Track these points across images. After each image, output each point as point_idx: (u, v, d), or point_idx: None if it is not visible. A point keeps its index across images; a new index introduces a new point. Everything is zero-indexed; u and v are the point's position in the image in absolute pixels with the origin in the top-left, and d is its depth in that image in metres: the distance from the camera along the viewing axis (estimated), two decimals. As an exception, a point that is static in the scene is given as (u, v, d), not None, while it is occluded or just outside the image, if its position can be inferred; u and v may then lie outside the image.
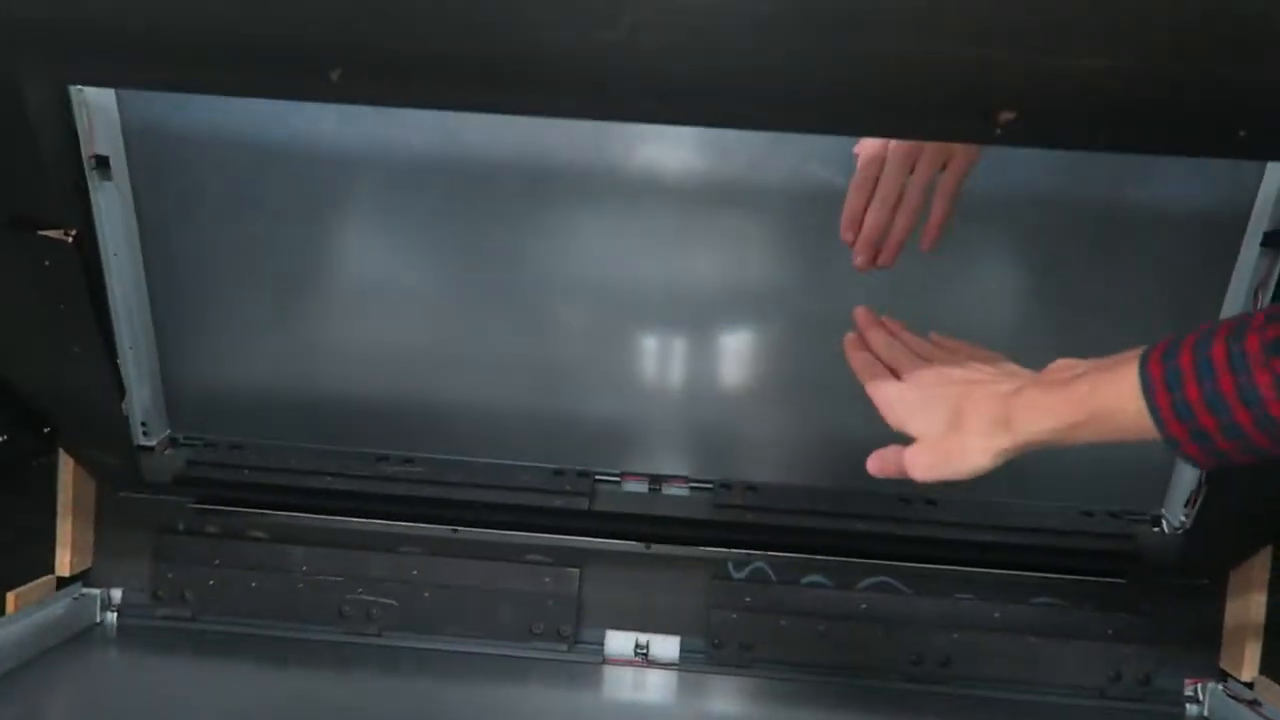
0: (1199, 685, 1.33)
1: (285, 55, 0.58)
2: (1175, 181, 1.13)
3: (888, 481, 1.30)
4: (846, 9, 0.52)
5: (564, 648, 1.35)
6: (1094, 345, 1.25)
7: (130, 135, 1.16)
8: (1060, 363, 0.67)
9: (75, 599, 1.33)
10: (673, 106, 0.62)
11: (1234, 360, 0.55)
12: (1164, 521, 1.30)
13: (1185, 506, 1.27)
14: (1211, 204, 1.14)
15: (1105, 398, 0.60)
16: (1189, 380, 0.56)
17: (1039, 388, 0.65)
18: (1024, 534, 1.29)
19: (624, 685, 1.32)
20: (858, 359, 0.79)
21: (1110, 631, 1.33)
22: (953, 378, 0.71)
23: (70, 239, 0.94)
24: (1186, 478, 1.26)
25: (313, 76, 0.57)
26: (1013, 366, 0.72)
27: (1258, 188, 1.11)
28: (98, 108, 1.12)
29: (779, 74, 0.57)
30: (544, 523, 1.33)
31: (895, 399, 0.73)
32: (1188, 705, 1.33)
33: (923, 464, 0.69)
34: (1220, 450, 0.57)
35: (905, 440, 0.72)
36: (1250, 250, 1.12)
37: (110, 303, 1.18)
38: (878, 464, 0.74)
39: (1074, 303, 1.21)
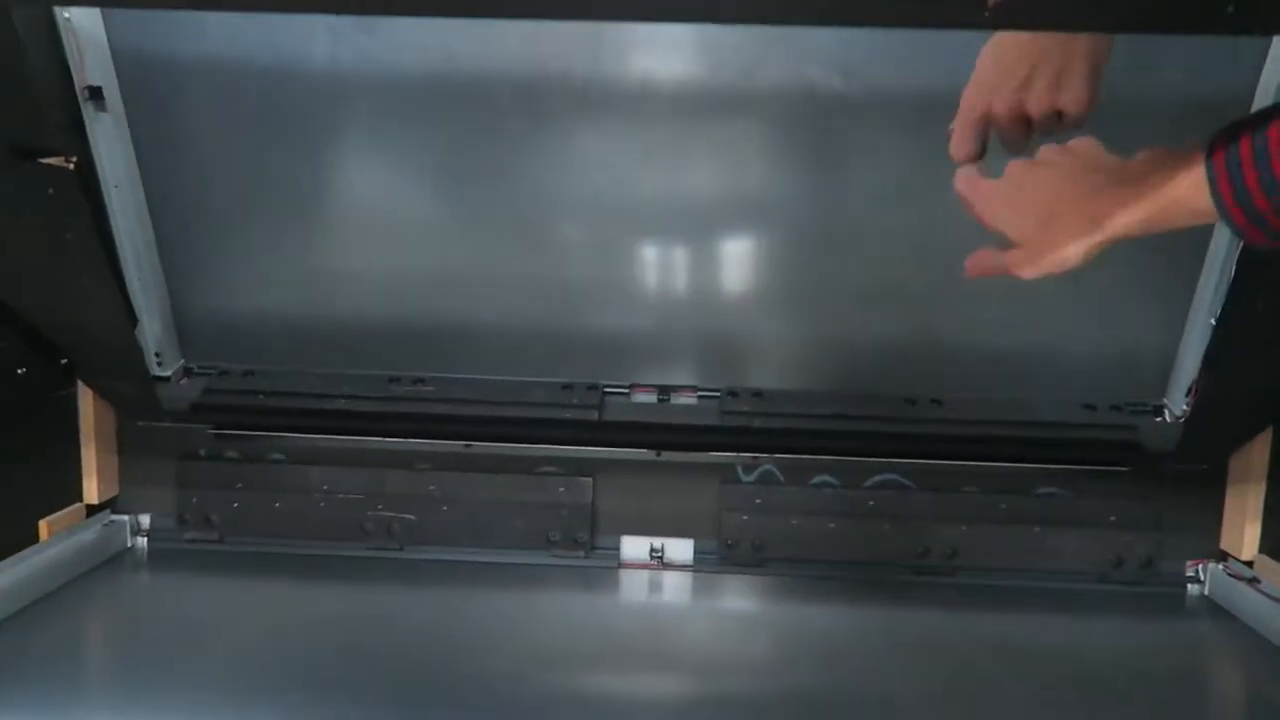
0: (1200, 566, 1.37)
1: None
2: (1175, 73, 1.12)
3: (893, 382, 1.33)
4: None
5: (581, 554, 1.39)
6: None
7: (121, 65, 1.16)
8: (1141, 155, 0.70)
9: (105, 525, 1.38)
10: (668, 3, 0.62)
11: None
12: (1166, 411, 1.32)
13: (1187, 396, 1.29)
14: (1212, 94, 1.12)
15: (1178, 189, 0.64)
16: (1247, 165, 0.60)
17: (1122, 186, 0.68)
18: (1028, 428, 1.31)
19: (641, 587, 1.37)
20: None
21: (1113, 519, 1.37)
22: (1042, 171, 0.74)
23: (71, 166, 0.94)
24: (1187, 367, 1.28)
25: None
26: (1095, 153, 0.73)
27: (1258, 79, 1.09)
28: (87, 37, 1.11)
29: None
30: (555, 435, 1.36)
31: (989, 192, 0.76)
32: (1189, 585, 1.37)
33: (1024, 264, 0.74)
34: (1274, 229, 0.61)
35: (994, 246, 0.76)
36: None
37: (115, 234, 1.19)
38: (977, 265, 0.78)
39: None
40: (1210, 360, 1.21)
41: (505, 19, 0.63)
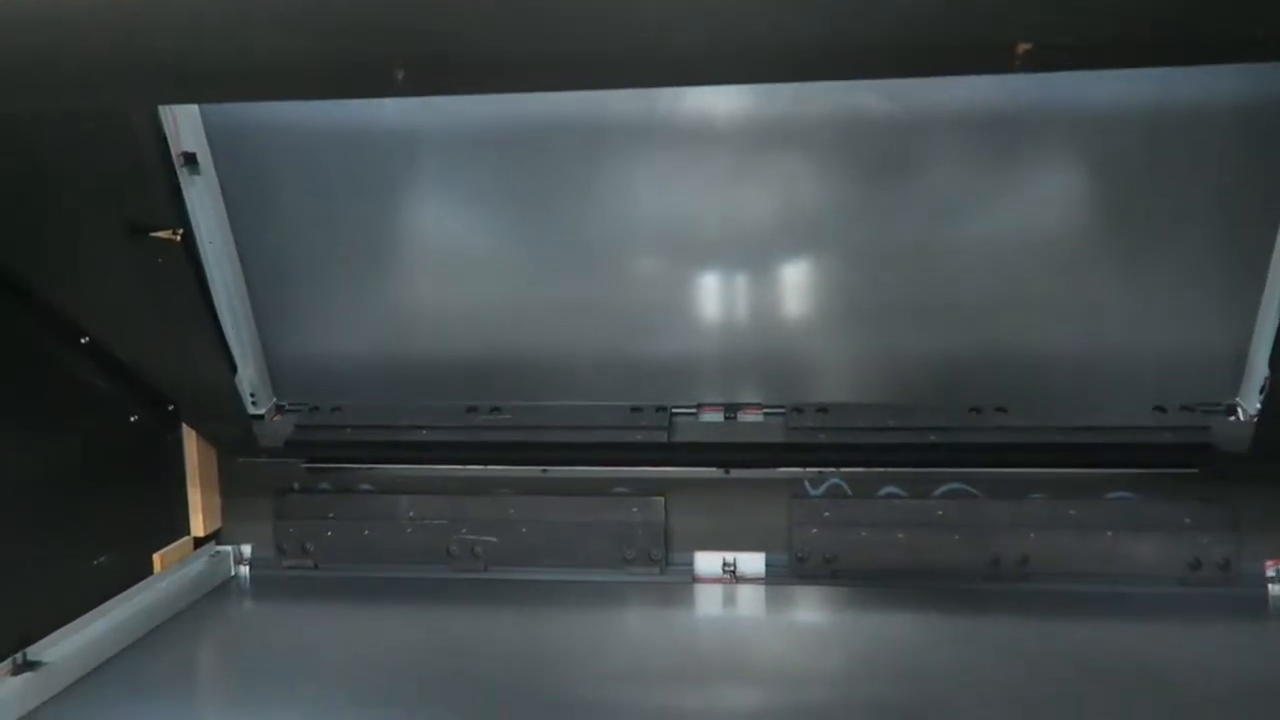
0: (1280, 566, 1.35)
1: (355, 62, 0.64)
2: (1222, 76, 1.12)
3: (958, 392, 1.34)
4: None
5: (656, 570, 1.44)
6: (1152, 247, 1.24)
7: (212, 131, 1.24)
8: None
9: (212, 556, 1.47)
10: (716, 71, 0.66)
11: None
12: (1239, 410, 1.31)
13: (1260, 393, 1.27)
14: (1260, 94, 1.12)
15: None
16: None
17: None
18: (1096, 433, 1.32)
19: (715, 601, 1.40)
20: None
21: (1187, 521, 1.36)
22: None
23: (178, 238, 1.02)
24: (1260, 364, 1.26)
25: (381, 77, 0.63)
26: None
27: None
28: (181, 109, 1.20)
29: (811, 32, 0.60)
30: (627, 457, 1.41)
31: None
32: (1270, 586, 1.35)
33: None
34: None
35: None
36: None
37: (211, 288, 1.27)
38: None
39: (1128, 208, 1.21)
40: (1277, 359, 1.20)
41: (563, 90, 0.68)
